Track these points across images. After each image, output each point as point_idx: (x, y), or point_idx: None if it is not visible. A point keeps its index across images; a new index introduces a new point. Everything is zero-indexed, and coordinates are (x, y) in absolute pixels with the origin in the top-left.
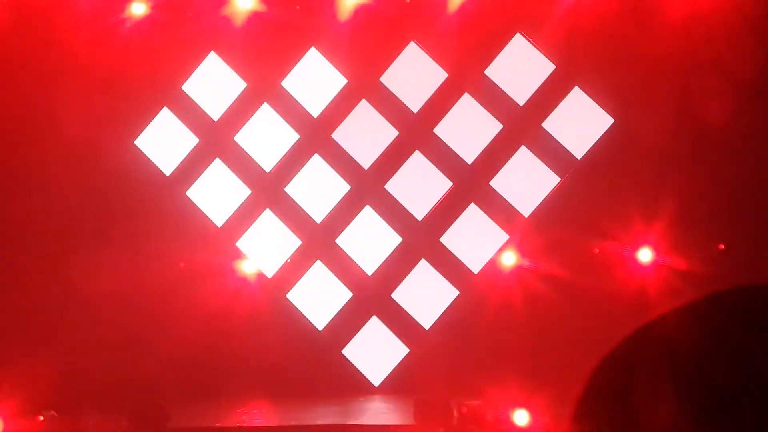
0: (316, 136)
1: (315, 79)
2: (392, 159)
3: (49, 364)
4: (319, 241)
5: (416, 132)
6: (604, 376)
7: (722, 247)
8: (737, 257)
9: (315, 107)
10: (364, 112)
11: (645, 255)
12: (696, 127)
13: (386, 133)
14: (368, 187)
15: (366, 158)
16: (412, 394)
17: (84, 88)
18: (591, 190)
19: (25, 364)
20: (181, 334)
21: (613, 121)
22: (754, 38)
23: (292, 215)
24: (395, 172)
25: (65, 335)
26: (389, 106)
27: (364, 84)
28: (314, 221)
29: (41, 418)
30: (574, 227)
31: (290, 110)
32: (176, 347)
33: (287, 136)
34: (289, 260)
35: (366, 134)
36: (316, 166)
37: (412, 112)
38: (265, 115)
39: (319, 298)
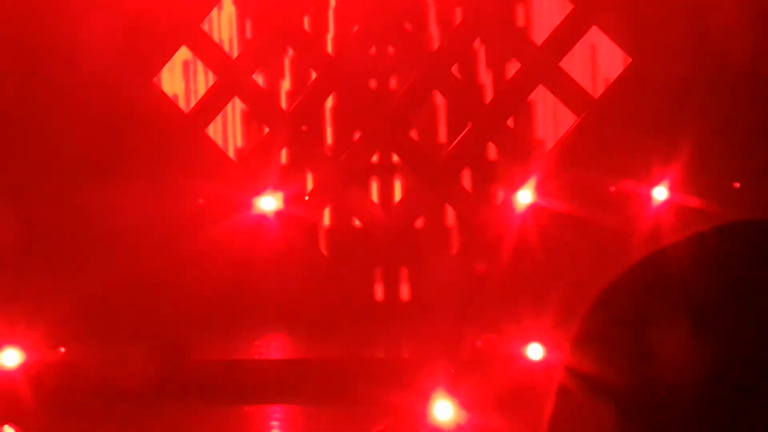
0: (333, 76)
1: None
2: (410, 100)
3: (67, 298)
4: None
5: (436, 71)
6: (613, 303)
7: (737, 185)
8: (751, 196)
9: (331, 46)
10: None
11: (660, 193)
12: (714, 66)
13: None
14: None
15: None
16: (428, 326)
17: (105, 25)
18: (607, 129)
19: (44, 298)
20: (200, 270)
21: (630, 60)
22: None
23: (311, 152)
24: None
25: (84, 269)
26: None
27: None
28: (333, 158)
29: (62, 349)
30: (591, 166)
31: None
32: (195, 282)
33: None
34: (306, 198)
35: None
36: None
37: (431, 50)
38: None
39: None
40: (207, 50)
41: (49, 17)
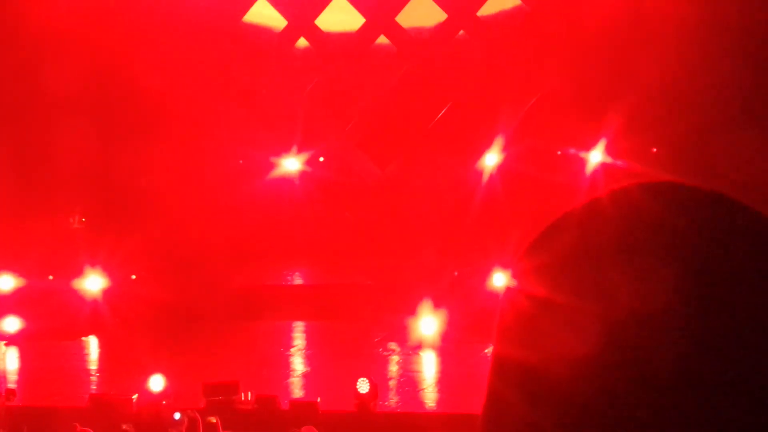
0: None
1: None
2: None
3: (133, 239)
4: None
5: None
6: (556, 238)
7: (654, 150)
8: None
9: None
10: None
11: (595, 156)
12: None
13: None
14: None
15: None
16: (417, 260)
17: None
18: (575, 106)
19: (113, 239)
20: (236, 216)
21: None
22: None
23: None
24: None
25: (152, 215)
26: None
27: None
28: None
29: (133, 277)
30: (543, 135)
31: None
32: (236, 226)
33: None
34: (321, 159)
35: None
36: None
37: None
38: None
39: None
40: None
41: None
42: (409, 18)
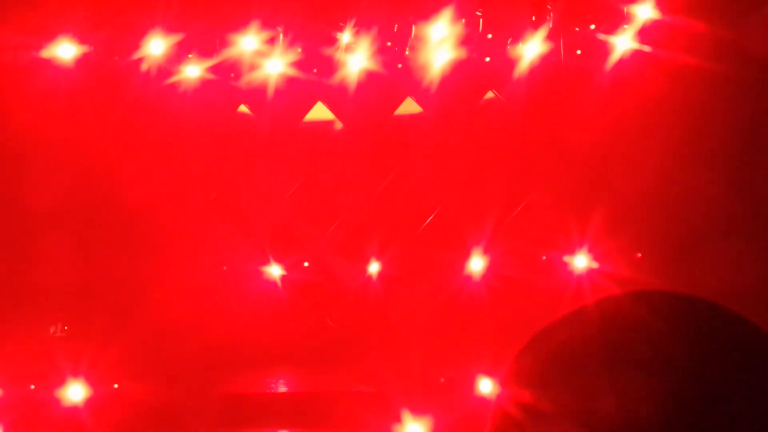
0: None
1: None
2: None
3: (115, 347)
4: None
5: None
6: (544, 346)
7: (639, 255)
8: (655, 265)
9: None
10: None
11: (580, 261)
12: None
13: None
14: None
15: None
16: (402, 366)
17: None
18: (541, 208)
19: (94, 347)
20: (223, 322)
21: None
22: None
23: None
24: None
25: (135, 317)
26: None
27: None
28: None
29: (115, 386)
30: (528, 238)
31: None
32: (221, 332)
33: None
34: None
35: None
36: None
37: None
38: None
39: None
40: None
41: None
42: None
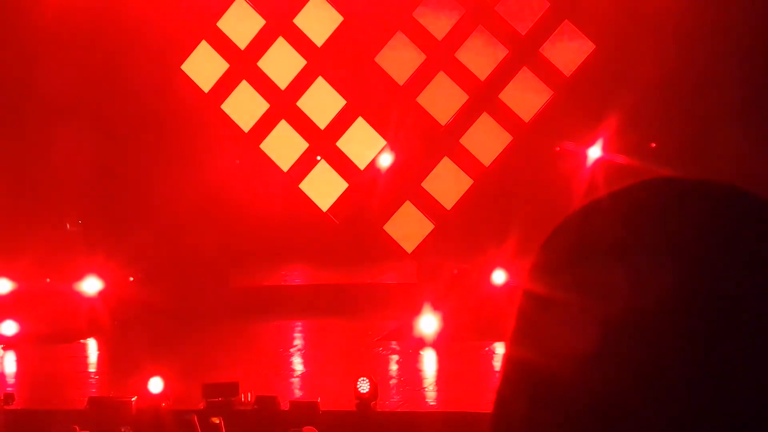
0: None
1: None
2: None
3: (130, 241)
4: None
5: (440, 56)
6: (562, 239)
7: (653, 145)
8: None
9: (319, 40)
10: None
11: (594, 152)
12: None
13: (416, 57)
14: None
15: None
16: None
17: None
18: (574, 103)
19: (110, 241)
20: (237, 216)
21: (594, 47)
22: None
23: (301, 124)
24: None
25: (145, 218)
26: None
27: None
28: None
29: (131, 279)
30: (547, 131)
31: (299, 42)
32: (234, 227)
33: (297, 62)
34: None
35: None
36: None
37: (437, 40)
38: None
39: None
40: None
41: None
42: None
